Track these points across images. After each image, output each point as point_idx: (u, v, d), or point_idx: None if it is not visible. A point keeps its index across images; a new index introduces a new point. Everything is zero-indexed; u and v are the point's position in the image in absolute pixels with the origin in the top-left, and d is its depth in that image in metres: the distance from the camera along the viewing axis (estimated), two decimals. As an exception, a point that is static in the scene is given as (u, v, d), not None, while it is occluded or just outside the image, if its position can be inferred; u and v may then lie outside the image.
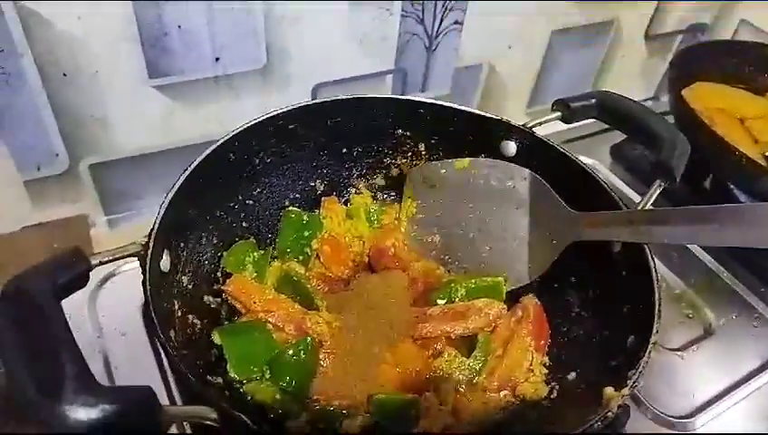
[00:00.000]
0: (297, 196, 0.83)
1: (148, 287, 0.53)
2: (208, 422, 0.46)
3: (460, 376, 0.68)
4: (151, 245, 0.57)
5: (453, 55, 1.20)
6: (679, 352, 0.88)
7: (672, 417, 0.80)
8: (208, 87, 0.98)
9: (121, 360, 0.77)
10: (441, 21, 1.13)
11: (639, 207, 0.69)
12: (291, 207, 0.81)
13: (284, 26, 0.95)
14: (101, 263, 0.54)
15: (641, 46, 1.47)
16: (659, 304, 0.59)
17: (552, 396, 0.66)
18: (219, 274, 0.73)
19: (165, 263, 0.60)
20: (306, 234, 0.78)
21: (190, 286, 0.66)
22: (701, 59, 1.25)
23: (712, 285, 0.99)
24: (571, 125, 0.81)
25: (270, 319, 0.69)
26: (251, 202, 0.78)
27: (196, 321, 0.65)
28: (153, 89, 0.98)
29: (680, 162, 0.71)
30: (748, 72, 1.30)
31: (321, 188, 0.84)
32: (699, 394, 0.84)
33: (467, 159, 0.80)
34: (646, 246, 0.64)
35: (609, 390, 0.53)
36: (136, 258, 0.56)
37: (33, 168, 0.96)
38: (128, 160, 1.00)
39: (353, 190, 0.86)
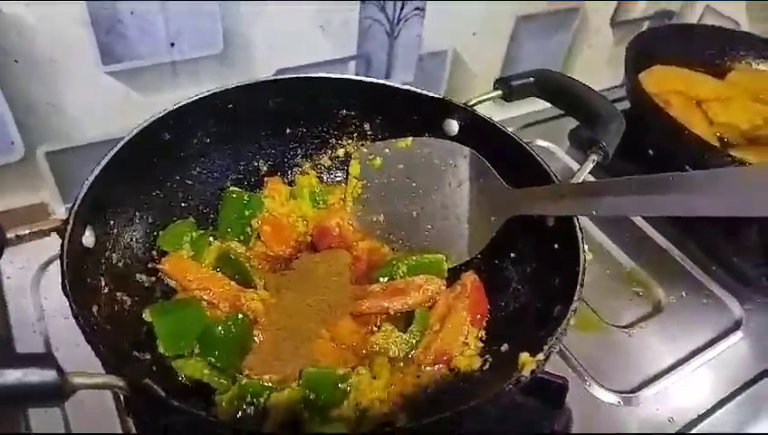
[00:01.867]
0: (239, 176, 0.82)
1: (65, 262, 0.53)
2: (117, 391, 0.46)
3: (396, 350, 0.68)
4: (71, 221, 0.56)
5: (416, 42, 1.19)
6: (627, 329, 0.89)
7: (617, 392, 0.80)
8: (165, 73, 0.97)
9: (62, 343, 0.76)
10: (402, 7, 1.13)
11: (572, 181, 0.69)
12: (232, 187, 0.80)
13: (243, 11, 0.94)
14: (18, 237, 0.53)
15: (608, 33, 1.47)
16: (583, 273, 0.59)
17: (484, 368, 0.66)
18: (155, 252, 0.73)
19: (88, 239, 0.60)
20: (247, 213, 0.78)
21: (120, 264, 0.66)
22: (660, 42, 1.25)
23: (663, 263, 1.00)
24: (529, 108, 0.81)
25: (205, 296, 0.69)
26: (190, 182, 0.78)
27: (125, 298, 0.65)
28: (108, 75, 0.97)
29: (614, 138, 0.71)
30: (708, 55, 1.31)
31: (265, 169, 0.84)
32: (645, 370, 0.85)
33: (410, 139, 0.80)
34: (575, 218, 0.64)
35: (524, 355, 0.53)
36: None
37: (-13, 157, 0.95)
38: (86, 148, 0.99)
39: (298, 171, 0.86)
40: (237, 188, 0.80)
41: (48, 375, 0.42)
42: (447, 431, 0.53)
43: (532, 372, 0.51)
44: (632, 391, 0.81)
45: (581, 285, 0.58)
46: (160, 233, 0.73)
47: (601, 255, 1.00)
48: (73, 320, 0.50)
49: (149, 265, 0.71)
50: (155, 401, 0.46)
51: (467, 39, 1.25)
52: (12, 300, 0.82)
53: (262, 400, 0.59)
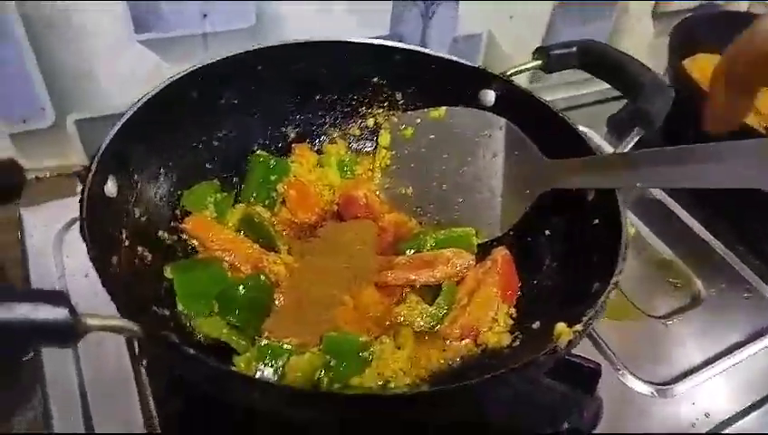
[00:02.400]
0: (266, 141, 0.80)
1: (85, 206, 0.51)
2: (131, 336, 0.44)
3: (421, 323, 0.65)
4: (94, 167, 0.55)
5: (451, 24, 1.16)
6: (663, 320, 0.85)
7: (650, 383, 0.77)
8: (196, 45, 0.96)
9: (81, 300, 0.74)
10: (438, -13, 1.10)
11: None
12: (258, 151, 0.78)
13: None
14: (37, 178, 0.52)
15: (649, 24, 1.42)
16: (626, 247, 0.56)
17: (513, 344, 0.63)
18: (178, 212, 0.71)
19: (110, 188, 0.58)
20: (273, 178, 0.76)
21: (142, 219, 0.64)
22: (704, 29, 1.20)
23: (702, 254, 0.96)
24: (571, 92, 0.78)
25: (226, 258, 0.67)
26: (216, 144, 0.76)
27: (146, 254, 0.63)
28: (140, 44, 0.96)
29: (661, 110, 0.67)
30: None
31: (293, 136, 0.82)
32: (681, 362, 0.80)
33: (443, 108, 0.77)
34: (617, 192, 0.61)
35: (560, 325, 0.50)
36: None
37: (19, 120, 0.95)
38: (115, 117, 0.98)
39: (326, 139, 0.84)
40: (264, 152, 0.78)
41: (59, 313, 0.40)
42: (471, 404, 0.50)
43: (570, 343, 0.48)
44: (667, 384, 0.77)
45: (624, 259, 0.54)
46: (184, 193, 0.72)
47: (639, 244, 0.96)
48: (94, 279, 0.49)
49: (172, 224, 0.69)
50: (171, 350, 0.44)
51: (503, 23, 1.21)
52: (33, 258, 0.81)
53: (281, 363, 0.57)
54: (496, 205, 0.74)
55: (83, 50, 0.90)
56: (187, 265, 0.65)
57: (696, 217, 1.00)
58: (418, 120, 0.79)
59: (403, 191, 0.80)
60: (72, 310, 0.41)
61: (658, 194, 1.04)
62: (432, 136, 0.78)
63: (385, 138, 0.81)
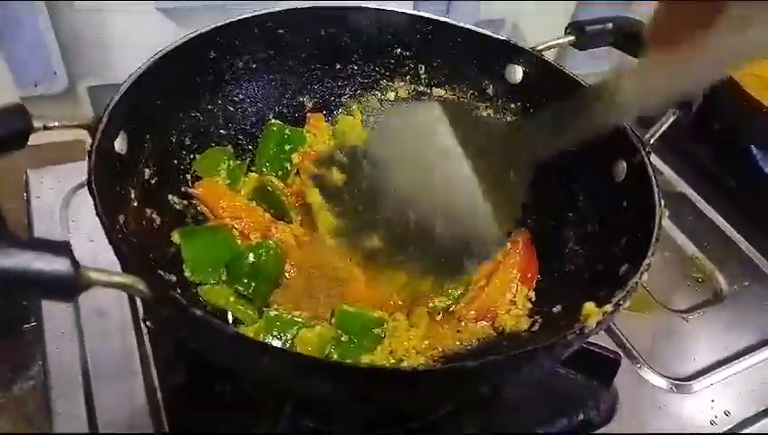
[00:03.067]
0: (283, 109, 0.77)
1: (93, 159, 0.48)
2: (135, 293, 0.41)
3: (437, 302, 0.62)
4: (105, 120, 0.52)
5: (474, 8, 1.13)
6: (685, 315, 0.82)
7: (669, 378, 0.74)
8: (216, 13, 0.93)
9: (86, 264, 0.73)
10: (461, -29, 1.07)
11: (650, 134, 0.62)
12: (273, 120, 0.75)
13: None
14: (46, 127, 0.49)
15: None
16: (659, 227, 0.53)
17: (533, 329, 0.60)
18: (190, 177, 0.68)
19: (121, 144, 0.55)
20: (287, 148, 0.73)
21: (153, 181, 0.62)
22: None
23: (726, 250, 0.93)
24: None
25: (237, 225, 0.64)
26: (232, 108, 0.73)
27: (155, 216, 0.61)
28: (158, 12, 0.94)
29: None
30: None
31: (310, 105, 0.79)
32: (701, 358, 0.78)
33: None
34: (650, 169, 0.58)
35: (589, 305, 0.47)
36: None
37: (30, 84, 0.93)
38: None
39: (344, 111, 0.81)
40: (279, 122, 0.75)
41: (61, 264, 0.38)
42: (486, 384, 0.47)
43: (598, 323, 0.45)
44: (686, 379, 0.75)
45: (657, 240, 0.51)
46: (197, 157, 0.69)
47: (662, 237, 0.91)
48: (100, 244, 0.46)
49: (183, 189, 0.67)
50: (178, 311, 0.41)
51: (527, 10, 1.18)
52: (39, 220, 0.79)
53: (289, 335, 0.55)
54: (485, 211, 0.55)
55: (100, 15, 0.88)
56: (196, 231, 0.63)
57: (721, 213, 0.97)
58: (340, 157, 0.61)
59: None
60: (75, 262, 0.38)
61: (684, 189, 1.01)
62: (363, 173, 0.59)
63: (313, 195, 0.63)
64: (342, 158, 0.60)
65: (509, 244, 0.68)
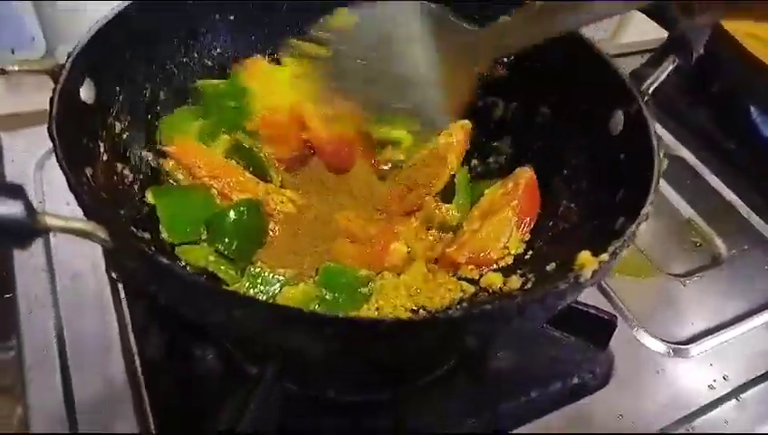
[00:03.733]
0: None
1: (55, 104, 0.45)
2: (97, 241, 0.38)
3: (447, 219, 0.63)
4: (68, 65, 0.49)
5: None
6: (682, 279, 0.80)
7: (666, 341, 0.72)
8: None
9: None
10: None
11: (648, 83, 0.59)
12: (199, 82, 0.68)
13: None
14: (5, 71, 0.46)
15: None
16: (658, 178, 0.50)
17: (525, 287, 0.57)
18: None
19: (87, 93, 0.52)
20: (232, 105, 0.67)
21: (124, 136, 0.59)
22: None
23: (725, 214, 0.91)
24: None
25: (216, 185, 0.61)
26: (209, 63, 0.69)
27: (126, 172, 0.58)
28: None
29: (700, 41, 0.61)
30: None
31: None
32: (699, 322, 0.76)
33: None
34: (651, 124, 0.55)
35: (584, 253, 0.45)
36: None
37: (7, 50, 0.89)
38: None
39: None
40: (206, 80, 0.68)
41: (13, 207, 0.35)
42: (477, 337, 0.45)
43: (594, 273, 0.42)
44: (683, 343, 0.73)
45: (656, 190, 0.49)
46: (164, 119, 0.65)
47: (659, 201, 0.90)
48: (76, 208, 0.43)
49: (158, 147, 0.64)
50: (139, 258, 0.38)
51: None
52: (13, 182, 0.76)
53: (271, 292, 0.52)
54: (437, 93, 0.64)
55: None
56: (172, 190, 0.60)
57: (720, 177, 0.95)
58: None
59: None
60: (29, 205, 0.35)
61: (682, 152, 0.99)
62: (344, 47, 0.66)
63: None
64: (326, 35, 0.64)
65: (510, 184, 0.65)
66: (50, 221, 0.37)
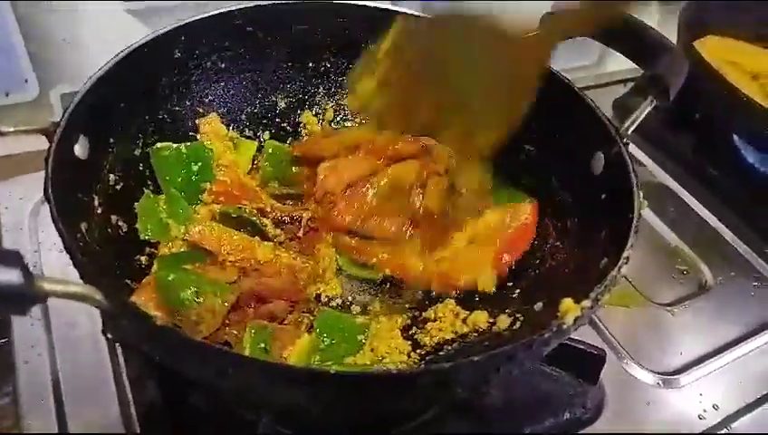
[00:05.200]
0: (255, 110, 0.75)
1: (50, 166, 0.46)
2: (93, 305, 0.39)
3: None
4: (63, 124, 0.50)
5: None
6: (670, 308, 0.81)
7: (656, 372, 0.73)
8: (187, 14, 0.92)
9: (55, 275, 0.71)
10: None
11: (627, 125, 0.61)
12: (159, 144, 0.66)
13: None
14: (2, 133, 0.47)
15: (654, 7, 1.38)
16: (638, 219, 0.51)
17: (514, 327, 0.59)
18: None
19: (81, 149, 0.53)
20: (195, 168, 0.66)
21: (118, 187, 0.60)
22: (712, 12, 1.16)
23: (710, 241, 0.92)
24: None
25: (237, 262, 0.61)
26: (201, 110, 0.71)
27: (121, 223, 0.59)
28: (127, 14, 0.91)
29: (677, 78, 0.63)
30: (762, 27, 1.21)
31: (283, 105, 0.77)
32: (688, 352, 0.77)
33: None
34: (629, 162, 0.56)
35: (566, 301, 0.46)
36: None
37: (2, 93, 0.90)
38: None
39: (319, 110, 0.79)
40: (167, 143, 0.67)
41: (11, 275, 0.36)
42: (469, 384, 0.46)
43: (576, 319, 0.44)
44: (673, 373, 0.73)
45: (636, 232, 0.50)
46: (137, 205, 0.63)
47: (644, 229, 0.91)
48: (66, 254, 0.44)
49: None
50: (135, 320, 0.39)
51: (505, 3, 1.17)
52: (7, 232, 0.77)
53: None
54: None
55: (69, 19, 0.86)
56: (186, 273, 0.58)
57: (704, 204, 0.97)
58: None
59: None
60: (27, 272, 0.36)
61: (666, 180, 1.00)
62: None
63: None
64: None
65: (508, 217, 0.67)
66: (48, 286, 0.37)
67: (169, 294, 0.52)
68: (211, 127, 0.70)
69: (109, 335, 0.61)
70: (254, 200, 0.68)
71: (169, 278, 0.53)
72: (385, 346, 0.56)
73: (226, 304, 0.54)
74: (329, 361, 0.53)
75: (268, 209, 0.67)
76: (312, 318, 0.58)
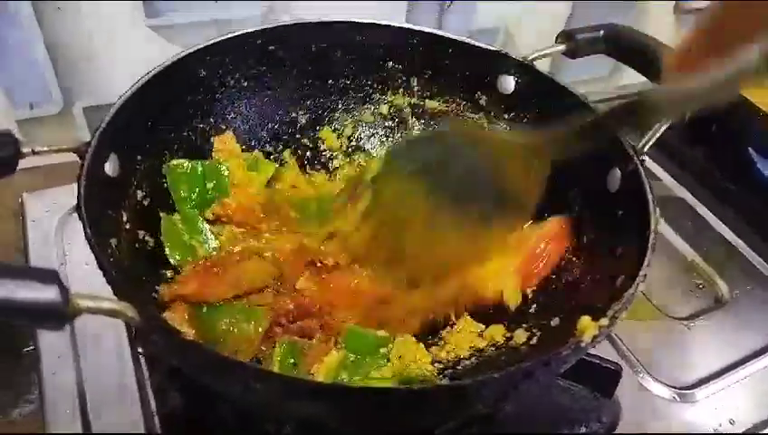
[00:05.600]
0: (275, 126, 0.77)
1: (83, 183, 0.48)
2: (126, 320, 0.41)
3: None
4: (94, 143, 0.52)
5: (467, 17, 1.13)
6: (685, 322, 0.81)
7: (672, 386, 0.73)
8: (207, 30, 0.94)
9: (83, 289, 0.73)
10: (455, -22, 1.07)
11: (644, 142, 0.62)
12: (174, 161, 0.67)
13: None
14: (35, 152, 0.49)
15: (670, 22, 1.38)
16: (654, 236, 0.52)
17: (531, 342, 0.59)
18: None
19: (112, 167, 0.55)
20: (209, 186, 0.67)
21: (146, 202, 0.62)
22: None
23: (726, 255, 0.92)
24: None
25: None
26: (224, 127, 0.73)
27: (148, 238, 0.61)
28: (150, 30, 0.94)
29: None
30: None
31: (303, 121, 0.79)
32: (704, 366, 0.77)
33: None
34: (644, 178, 0.57)
35: (585, 319, 0.47)
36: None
37: (26, 106, 0.93)
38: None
39: (338, 126, 0.80)
40: (182, 160, 0.67)
41: (49, 292, 0.37)
42: (487, 400, 0.47)
43: (594, 338, 0.44)
44: (689, 388, 0.74)
45: (653, 250, 0.51)
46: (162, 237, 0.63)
47: (660, 243, 0.91)
48: (96, 267, 0.46)
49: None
50: (165, 336, 0.41)
51: (521, 18, 1.18)
52: (34, 245, 0.79)
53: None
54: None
55: (92, 35, 0.88)
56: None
57: (720, 217, 0.97)
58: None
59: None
60: (63, 290, 0.38)
61: (682, 193, 1.01)
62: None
63: None
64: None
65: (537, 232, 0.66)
66: (82, 303, 0.39)
67: (206, 327, 0.54)
68: (225, 145, 0.71)
69: (139, 350, 0.63)
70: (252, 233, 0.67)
71: (203, 311, 0.55)
72: (409, 359, 0.57)
73: (261, 329, 0.56)
74: (356, 376, 0.55)
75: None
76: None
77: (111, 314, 0.41)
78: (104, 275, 0.44)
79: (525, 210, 0.61)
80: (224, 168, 0.69)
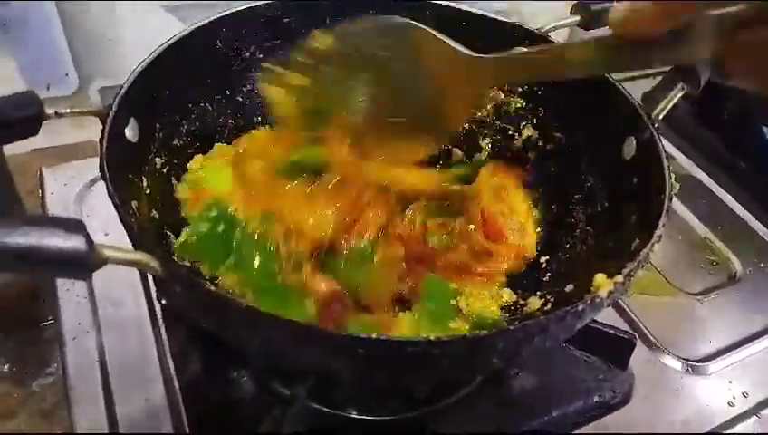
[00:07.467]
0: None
1: (105, 145, 0.49)
2: (148, 271, 0.42)
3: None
4: (114, 106, 0.53)
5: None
6: (699, 297, 0.82)
7: (684, 359, 0.73)
8: (222, 11, 0.94)
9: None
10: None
11: (658, 111, 0.62)
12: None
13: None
14: (57, 114, 0.50)
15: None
16: (670, 199, 0.52)
17: (545, 308, 0.60)
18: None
19: (132, 132, 0.56)
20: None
21: (164, 170, 0.63)
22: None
23: (740, 232, 0.92)
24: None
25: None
26: (240, 99, 0.73)
27: (165, 205, 0.61)
28: (164, 11, 0.95)
29: (708, 67, 0.63)
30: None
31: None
32: (717, 340, 0.77)
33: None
34: (660, 145, 0.57)
35: (600, 276, 0.47)
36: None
37: (43, 87, 0.94)
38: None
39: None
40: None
41: (75, 241, 0.38)
42: (497, 357, 0.47)
43: (610, 293, 0.45)
44: (702, 361, 0.74)
45: (668, 212, 0.51)
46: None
47: (674, 220, 0.92)
48: (114, 238, 0.46)
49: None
50: (187, 285, 0.42)
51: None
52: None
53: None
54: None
55: (108, 15, 0.89)
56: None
57: (733, 195, 0.97)
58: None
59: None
60: (89, 239, 0.39)
61: (695, 172, 1.01)
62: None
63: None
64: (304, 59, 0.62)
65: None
66: (107, 253, 0.40)
67: None
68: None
69: (162, 301, 0.64)
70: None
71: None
72: (478, 306, 0.60)
73: None
74: (436, 327, 0.57)
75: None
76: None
77: (134, 264, 0.42)
78: (126, 230, 0.45)
79: (443, 133, 0.63)
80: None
